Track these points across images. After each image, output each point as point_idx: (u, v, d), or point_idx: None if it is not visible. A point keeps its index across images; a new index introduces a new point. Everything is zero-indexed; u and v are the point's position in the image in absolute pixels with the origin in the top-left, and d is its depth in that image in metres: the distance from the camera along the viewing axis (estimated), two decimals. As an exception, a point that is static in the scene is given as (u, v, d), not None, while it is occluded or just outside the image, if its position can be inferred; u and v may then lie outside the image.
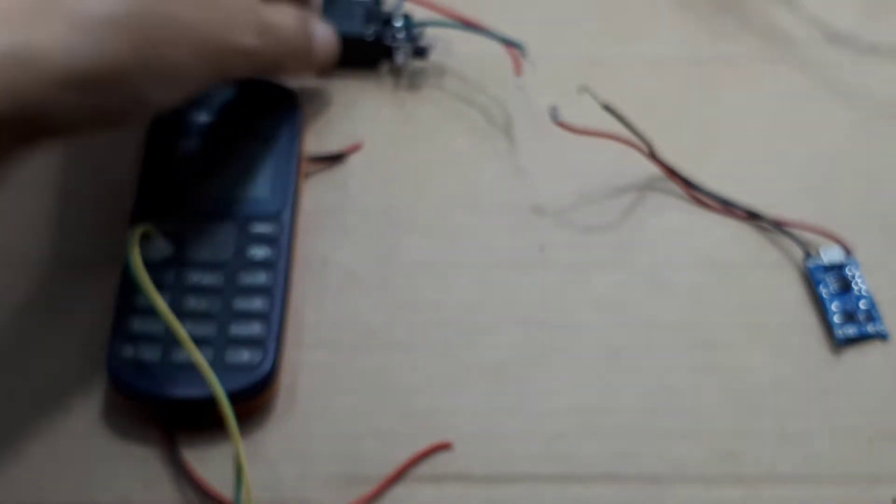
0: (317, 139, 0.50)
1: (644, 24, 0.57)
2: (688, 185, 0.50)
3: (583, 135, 0.47)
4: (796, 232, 0.49)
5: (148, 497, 0.41)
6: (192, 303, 0.43)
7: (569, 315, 0.46)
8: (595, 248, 0.48)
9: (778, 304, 0.47)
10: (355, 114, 0.52)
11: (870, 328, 0.46)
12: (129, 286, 0.42)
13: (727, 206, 0.49)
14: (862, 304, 0.47)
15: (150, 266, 0.41)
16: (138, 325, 0.42)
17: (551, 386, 0.45)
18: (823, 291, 0.47)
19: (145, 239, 0.43)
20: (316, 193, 0.49)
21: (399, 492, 0.42)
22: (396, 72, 0.53)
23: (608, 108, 0.48)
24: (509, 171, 0.51)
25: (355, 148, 0.50)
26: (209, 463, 0.42)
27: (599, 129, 0.48)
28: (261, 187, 0.46)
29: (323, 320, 0.46)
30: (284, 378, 0.44)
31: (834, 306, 0.47)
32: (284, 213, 0.45)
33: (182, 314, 0.42)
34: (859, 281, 0.48)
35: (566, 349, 0.46)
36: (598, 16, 0.57)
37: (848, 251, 0.48)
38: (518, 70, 0.50)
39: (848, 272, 0.48)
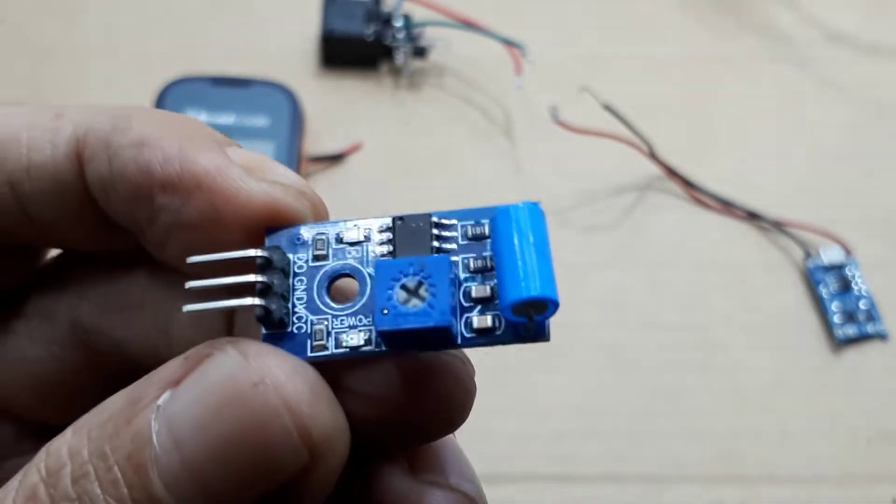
0: (317, 139, 0.50)
1: (644, 24, 0.57)
2: (688, 185, 0.50)
3: (583, 135, 0.47)
4: (796, 232, 0.49)
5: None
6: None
7: (569, 315, 0.46)
8: (595, 248, 0.48)
9: (778, 304, 0.47)
10: (355, 114, 0.52)
11: (870, 328, 0.46)
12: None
13: (727, 206, 0.49)
14: (862, 304, 0.47)
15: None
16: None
17: (551, 386, 0.45)
18: (823, 291, 0.47)
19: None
20: (316, 193, 0.49)
21: (399, 492, 0.42)
22: (396, 72, 0.53)
23: (608, 108, 0.48)
24: (509, 171, 0.51)
25: (355, 148, 0.50)
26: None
27: (599, 129, 0.48)
28: (261, 187, 0.46)
29: (323, 320, 0.46)
30: (284, 378, 0.44)
31: (834, 306, 0.47)
32: (284, 213, 0.45)
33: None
34: (859, 281, 0.48)
35: (566, 349, 0.46)
36: (598, 16, 0.57)
37: (848, 251, 0.48)
38: (518, 70, 0.50)
39: (848, 272, 0.48)
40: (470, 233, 0.19)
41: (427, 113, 0.52)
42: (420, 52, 0.52)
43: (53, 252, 0.23)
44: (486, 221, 0.19)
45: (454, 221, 0.19)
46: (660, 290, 0.47)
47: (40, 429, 0.22)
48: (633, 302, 0.47)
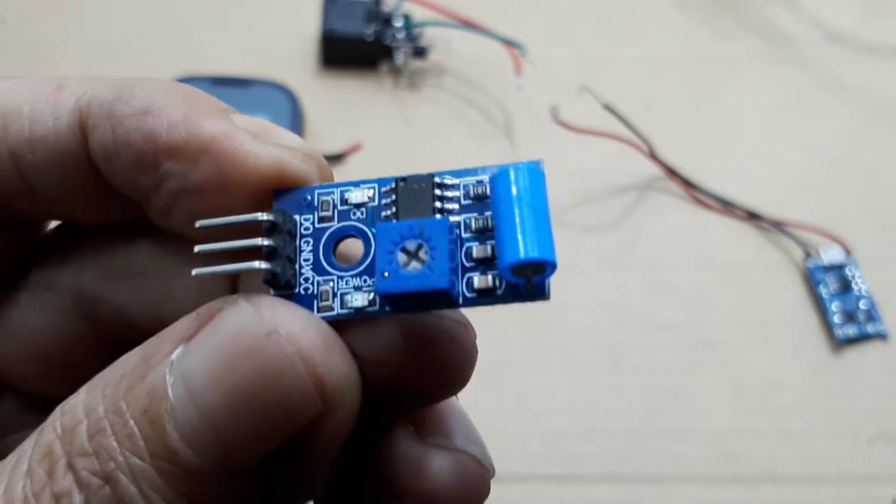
0: (317, 139, 0.50)
1: (644, 24, 0.57)
2: (688, 185, 0.50)
3: (583, 134, 0.47)
4: (796, 232, 0.49)
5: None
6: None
7: (569, 315, 0.46)
8: (595, 248, 0.48)
9: (778, 304, 0.47)
10: (355, 114, 0.52)
11: (870, 328, 0.46)
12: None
13: (727, 206, 0.49)
14: (862, 304, 0.47)
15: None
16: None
17: (551, 386, 0.45)
18: (823, 291, 0.47)
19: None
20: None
21: (399, 492, 0.42)
22: (396, 72, 0.53)
23: (608, 108, 0.48)
24: (509, 171, 0.51)
25: (355, 148, 0.50)
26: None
27: (599, 129, 0.48)
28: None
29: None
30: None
31: (834, 306, 0.47)
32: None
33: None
34: (859, 281, 0.48)
35: (566, 349, 0.46)
36: (598, 16, 0.57)
37: (848, 251, 0.48)
38: (518, 70, 0.50)
39: (848, 272, 0.48)
40: (472, 192, 0.19)
41: (427, 113, 0.52)
42: (420, 52, 0.52)
43: (54, 223, 0.23)
44: (487, 181, 0.19)
45: (456, 181, 0.19)
46: (660, 290, 0.47)
47: (44, 402, 0.22)
48: (633, 302, 0.47)
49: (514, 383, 0.45)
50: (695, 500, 0.42)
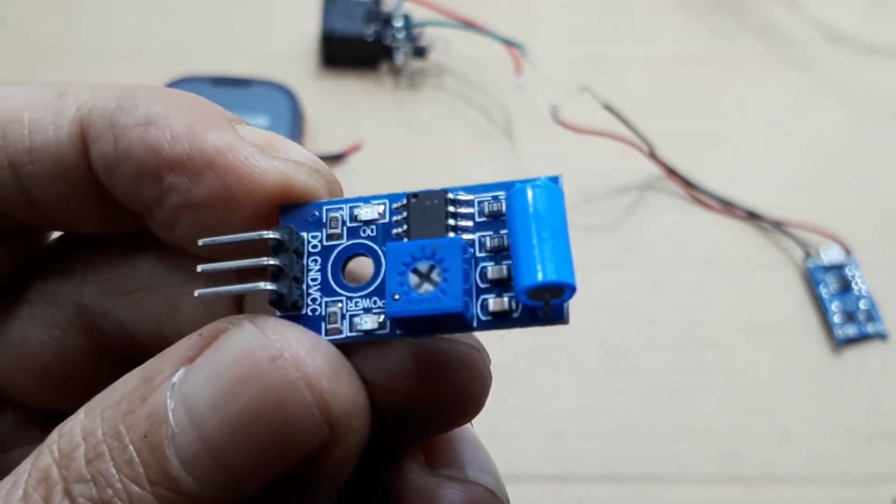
0: (317, 139, 0.50)
1: (644, 24, 0.57)
2: (688, 185, 0.50)
3: (583, 134, 0.47)
4: (796, 232, 0.49)
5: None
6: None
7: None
8: (595, 248, 0.48)
9: (778, 304, 0.47)
10: (355, 114, 0.52)
11: (869, 328, 0.46)
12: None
13: (727, 206, 0.49)
14: (862, 304, 0.47)
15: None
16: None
17: (551, 386, 0.45)
18: (823, 291, 0.47)
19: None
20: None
21: (399, 492, 0.42)
22: (396, 72, 0.53)
23: (609, 108, 0.48)
24: (509, 170, 0.51)
25: (355, 148, 0.50)
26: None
27: (600, 129, 0.48)
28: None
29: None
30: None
31: (834, 306, 0.47)
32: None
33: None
34: (859, 281, 0.48)
35: (566, 349, 0.46)
36: (598, 16, 0.57)
37: (848, 251, 0.48)
38: (518, 70, 0.50)
39: (848, 272, 0.48)
40: (487, 210, 0.18)
41: (427, 113, 0.52)
42: (420, 52, 0.52)
43: (55, 234, 0.23)
44: (503, 198, 0.18)
45: (470, 197, 0.18)
46: (660, 290, 0.47)
47: (46, 417, 0.22)
48: (633, 302, 0.47)
49: (515, 383, 0.45)
50: (695, 500, 0.42)
